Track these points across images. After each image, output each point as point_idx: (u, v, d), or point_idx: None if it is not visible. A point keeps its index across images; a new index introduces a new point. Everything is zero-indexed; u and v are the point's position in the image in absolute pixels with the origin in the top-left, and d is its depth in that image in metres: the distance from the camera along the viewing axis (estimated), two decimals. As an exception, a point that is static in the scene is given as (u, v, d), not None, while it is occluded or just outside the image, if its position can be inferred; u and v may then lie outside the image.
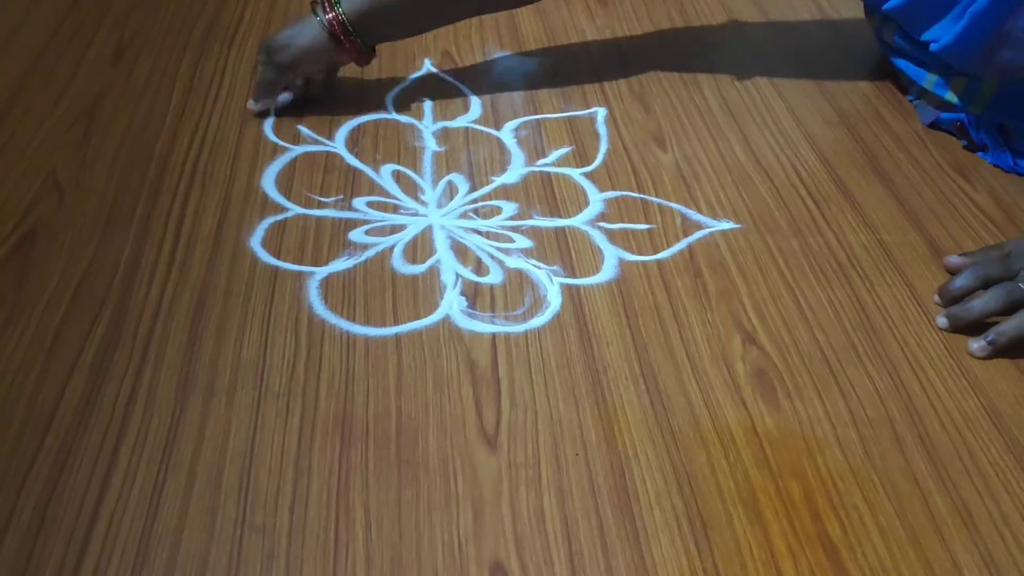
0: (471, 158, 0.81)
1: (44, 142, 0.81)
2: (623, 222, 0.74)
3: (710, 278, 0.69)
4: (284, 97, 0.84)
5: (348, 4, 0.79)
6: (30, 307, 0.64)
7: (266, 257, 0.69)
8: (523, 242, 0.72)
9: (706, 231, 0.73)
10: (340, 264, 0.69)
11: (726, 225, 0.74)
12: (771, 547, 0.51)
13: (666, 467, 0.55)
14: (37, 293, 0.66)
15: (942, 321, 0.65)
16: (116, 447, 0.55)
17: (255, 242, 0.70)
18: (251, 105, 0.84)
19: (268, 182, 0.77)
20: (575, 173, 0.79)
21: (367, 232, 0.72)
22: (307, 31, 0.80)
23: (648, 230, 0.73)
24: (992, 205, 0.76)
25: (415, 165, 0.80)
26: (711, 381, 0.61)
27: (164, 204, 0.74)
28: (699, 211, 0.75)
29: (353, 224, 0.73)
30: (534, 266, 0.69)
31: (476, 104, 0.88)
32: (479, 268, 0.69)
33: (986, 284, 0.64)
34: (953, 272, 0.68)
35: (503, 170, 0.79)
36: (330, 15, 0.79)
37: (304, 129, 0.83)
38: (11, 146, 0.80)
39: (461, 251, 0.71)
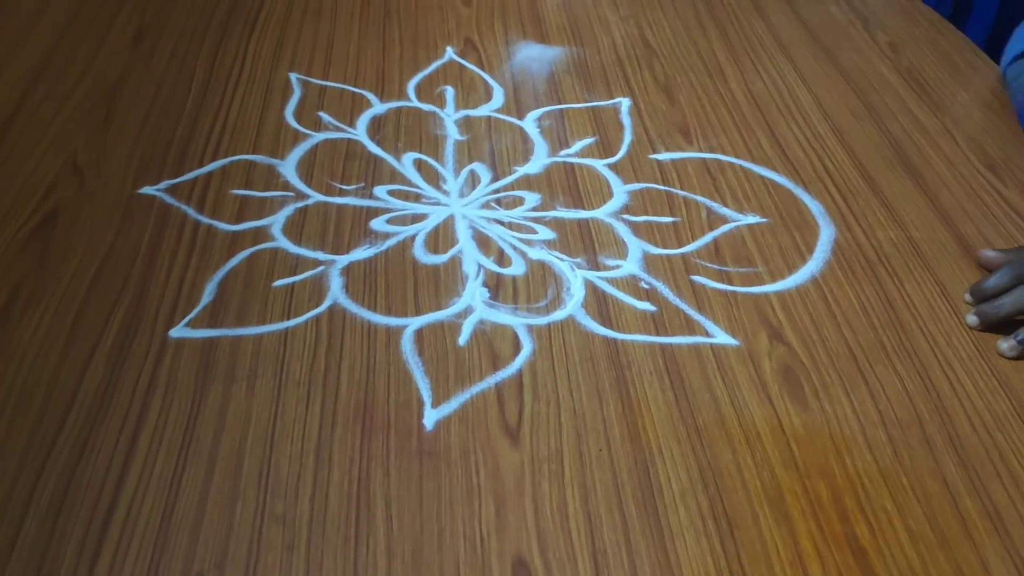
0: (493, 147, 0.80)
1: (65, 125, 0.80)
2: (648, 215, 0.73)
3: (736, 273, 0.68)
4: None
5: None
6: (50, 290, 0.64)
7: (287, 244, 0.69)
8: (546, 233, 0.71)
9: (732, 224, 0.72)
10: (361, 253, 0.68)
11: (752, 219, 0.73)
12: (798, 548, 0.50)
13: (691, 464, 0.54)
14: (57, 276, 0.65)
15: (972, 320, 0.63)
16: (136, 433, 0.55)
17: (276, 229, 0.70)
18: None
19: (289, 168, 0.76)
20: (599, 164, 0.78)
21: (388, 221, 0.71)
22: None
23: (673, 223, 0.72)
24: (1024, 203, 0.75)
25: (437, 154, 0.79)
26: (736, 377, 0.60)
27: (184, 189, 0.73)
28: (725, 204, 0.74)
29: (374, 212, 0.72)
30: (557, 258, 0.68)
31: (499, 93, 0.87)
32: (501, 259, 0.68)
33: (1020, 283, 0.63)
34: (986, 265, 0.67)
35: (526, 160, 0.79)
36: None
37: (325, 116, 0.82)
38: (31, 128, 0.80)
39: (483, 241, 0.70)
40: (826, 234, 0.71)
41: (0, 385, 0.57)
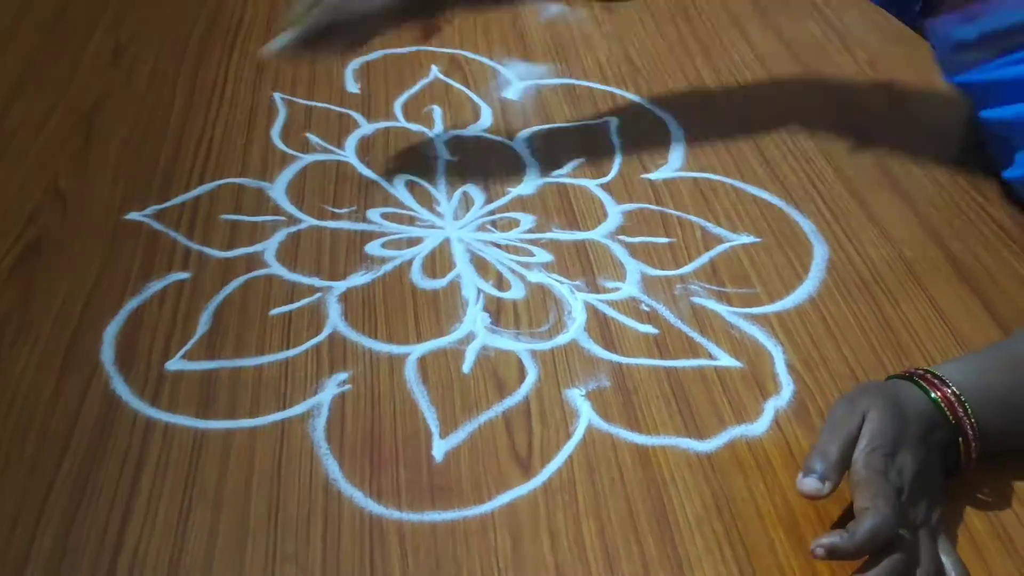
0: (485, 168, 0.79)
1: (44, 149, 0.78)
2: (643, 235, 0.73)
3: (735, 293, 0.68)
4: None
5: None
6: (38, 323, 0.62)
7: (281, 271, 0.67)
8: (543, 256, 0.70)
9: (727, 244, 0.72)
10: (358, 278, 0.67)
11: (746, 239, 0.73)
12: (815, 574, 0.50)
13: (704, 491, 0.54)
14: (45, 308, 0.63)
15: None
16: (137, 473, 0.53)
17: (270, 255, 0.68)
18: (274, 46, 0.69)
19: (279, 192, 0.75)
20: (591, 184, 0.78)
21: (384, 245, 0.70)
22: None
23: (669, 243, 0.72)
24: (1009, 221, 0.76)
25: (428, 175, 0.78)
26: (743, 400, 0.60)
27: (173, 215, 0.72)
28: (718, 224, 0.74)
29: (369, 236, 0.71)
30: (556, 281, 0.68)
31: (486, 112, 0.86)
32: (500, 283, 0.68)
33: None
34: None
35: (518, 181, 0.78)
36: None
37: (313, 137, 0.81)
38: (9, 153, 0.77)
39: (481, 265, 0.69)
40: (819, 253, 0.72)
41: (-9, 425, 0.55)
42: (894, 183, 0.80)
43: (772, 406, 0.59)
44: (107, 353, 0.60)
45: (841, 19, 1.05)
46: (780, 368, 0.62)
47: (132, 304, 0.64)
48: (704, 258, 0.71)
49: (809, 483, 0.50)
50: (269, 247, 0.69)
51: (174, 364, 0.60)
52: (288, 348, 0.61)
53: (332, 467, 0.54)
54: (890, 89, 0.92)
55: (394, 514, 0.52)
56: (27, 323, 0.62)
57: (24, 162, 0.76)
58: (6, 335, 0.61)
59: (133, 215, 0.71)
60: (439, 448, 0.56)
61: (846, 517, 0.53)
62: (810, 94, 0.91)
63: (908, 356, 0.63)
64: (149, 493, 0.52)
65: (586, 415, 0.58)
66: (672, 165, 0.80)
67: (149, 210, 0.72)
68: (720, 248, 0.72)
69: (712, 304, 0.67)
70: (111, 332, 0.62)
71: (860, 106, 0.90)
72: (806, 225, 0.75)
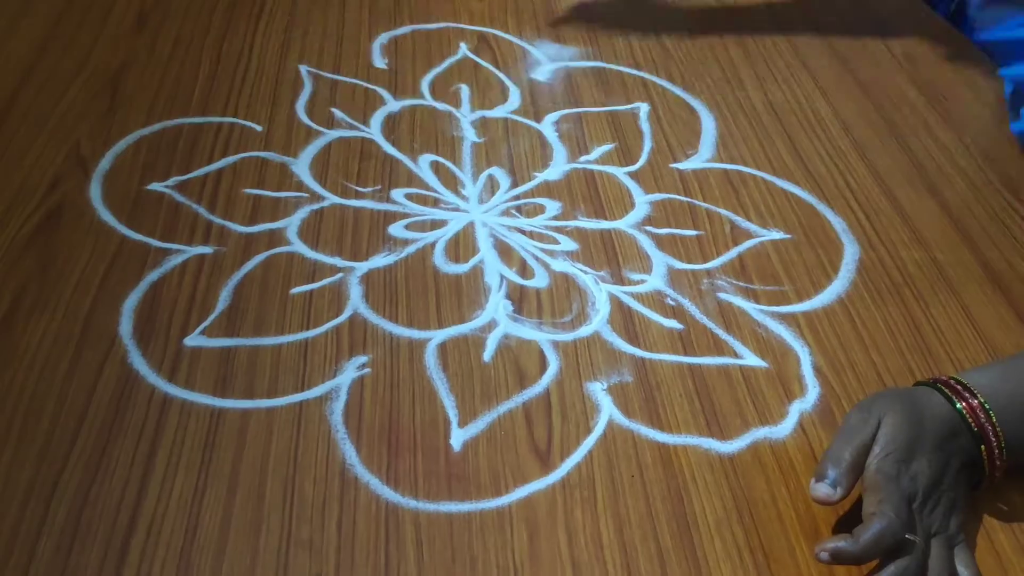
0: (511, 151, 0.78)
1: (67, 114, 0.77)
2: (670, 227, 0.71)
3: (762, 291, 0.67)
4: None
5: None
6: (58, 292, 0.61)
7: (303, 249, 0.66)
8: (568, 244, 0.69)
9: (756, 240, 0.71)
10: (380, 260, 0.66)
11: (776, 235, 0.72)
12: (836, 583, 0.49)
13: (725, 493, 0.53)
14: (65, 276, 0.62)
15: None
16: (152, 449, 0.53)
17: (292, 232, 0.67)
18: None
19: (302, 167, 0.74)
20: (619, 172, 0.77)
21: (407, 226, 0.69)
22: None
23: (696, 236, 0.71)
24: (1045, 226, 0.74)
25: (454, 156, 0.77)
26: (767, 401, 0.59)
27: (195, 185, 0.71)
28: (748, 219, 0.73)
29: (392, 217, 0.70)
30: (580, 270, 0.67)
31: (515, 93, 0.85)
32: (524, 270, 0.67)
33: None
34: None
35: (545, 166, 0.77)
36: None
37: (338, 112, 0.80)
38: (31, 118, 0.76)
39: (505, 251, 0.68)
40: (850, 252, 0.70)
41: (7, 396, 0.55)
42: (928, 183, 0.78)
43: (797, 409, 0.58)
44: (125, 326, 0.60)
45: (879, 10, 1.03)
46: (806, 370, 0.61)
47: (152, 277, 0.63)
48: (732, 253, 0.70)
49: (820, 488, 0.49)
50: (292, 224, 0.68)
51: (193, 340, 0.59)
52: (308, 328, 0.60)
53: (349, 452, 0.53)
54: (927, 85, 0.90)
55: (410, 503, 0.51)
56: (45, 292, 0.61)
57: (47, 127, 0.75)
58: (24, 304, 0.60)
59: (155, 185, 0.71)
60: (457, 437, 0.55)
61: (855, 522, 0.52)
62: (845, 87, 0.89)
63: (937, 362, 0.62)
64: (164, 471, 0.51)
65: (607, 410, 0.57)
66: (702, 155, 0.79)
67: (171, 181, 0.71)
68: (749, 243, 0.71)
69: (739, 301, 0.65)
70: (130, 304, 0.61)
71: (895, 102, 0.88)
72: (837, 223, 0.73)
